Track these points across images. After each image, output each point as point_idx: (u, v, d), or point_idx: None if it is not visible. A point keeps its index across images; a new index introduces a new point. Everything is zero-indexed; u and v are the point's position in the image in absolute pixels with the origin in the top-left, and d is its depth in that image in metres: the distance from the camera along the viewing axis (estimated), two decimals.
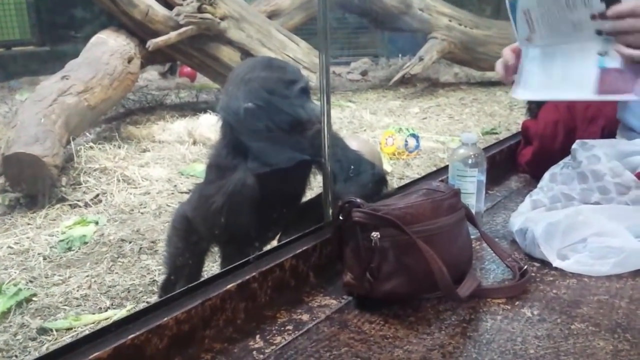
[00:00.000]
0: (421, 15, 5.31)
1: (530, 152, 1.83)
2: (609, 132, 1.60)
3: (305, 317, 1.07)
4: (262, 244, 1.39)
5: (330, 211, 1.28)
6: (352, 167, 1.39)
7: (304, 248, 1.18)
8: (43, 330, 1.72)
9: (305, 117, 1.33)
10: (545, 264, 1.24)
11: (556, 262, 1.22)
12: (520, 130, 1.99)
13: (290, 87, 1.33)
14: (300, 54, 4.36)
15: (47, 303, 1.86)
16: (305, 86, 1.34)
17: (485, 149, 1.81)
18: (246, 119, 1.30)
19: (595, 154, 1.37)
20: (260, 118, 1.30)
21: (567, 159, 1.48)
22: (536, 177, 1.62)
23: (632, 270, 1.18)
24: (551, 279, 1.18)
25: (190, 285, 1.01)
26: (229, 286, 1.02)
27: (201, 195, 1.44)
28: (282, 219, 1.38)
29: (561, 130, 1.75)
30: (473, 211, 1.30)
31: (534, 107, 2.00)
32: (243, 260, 1.11)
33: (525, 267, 1.18)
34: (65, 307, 1.85)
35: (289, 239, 1.23)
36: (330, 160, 1.28)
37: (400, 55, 6.59)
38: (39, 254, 2.22)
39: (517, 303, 1.09)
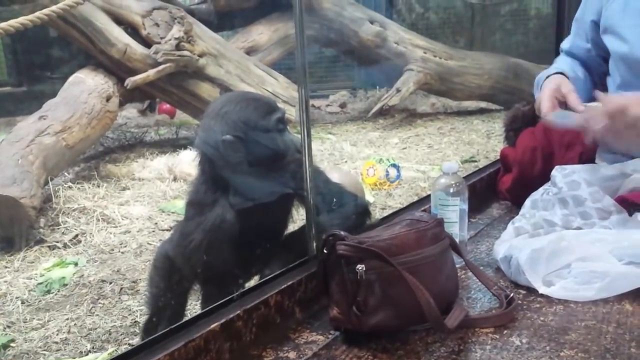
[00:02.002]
0: (396, 48, 5.40)
1: (510, 179, 1.85)
2: (586, 158, 1.62)
3: (292, 354, 1.05)
4: (244, 281, 1.37)
5: (314, 244, 1.27)
6: (335, 199, 1.38)
7: (289, 283, 1.17)
8: None
9: (285, 147, 1.33)
10: (531, 291, 1.23)
11: (542, 289, 1.22)
12: (499, 157, 2.01)
13: (267, 117, 1.33)
14: (279, 89, 4.39)
15: (26, 348, 1.81)
16: (282, 117, 1.34)
17: (466, 178, 1.83)
18: (225, 151, 1.29)
19: (574, 179, 1.39)
20: (239, 150, 1.29)
21: (547, 185, 1.49)
22: (517, 204, 1.63)
23: (618, 294, 1.18)
24: (538, 305, 1.18)
25: (172, 327, 0.98)
26: (212, 326, 1.00)
27: (181, 233, 1.42)
28: (265, 254, 1.36)
29: (539, 156, 1.77)
30: (457, 240, 1.30)
31: (512, 135, 2.02)
32: (227, 299, 1.09)
33: (512, 295, 1.18)
34: (44, 352, 1.80)
35: (272, 274, 1.21)
36: (312, 193, 1.27)
37: (377, 87, 6.66)
38: (17, 297, 2.16)
39: (505, 332, 1.08)
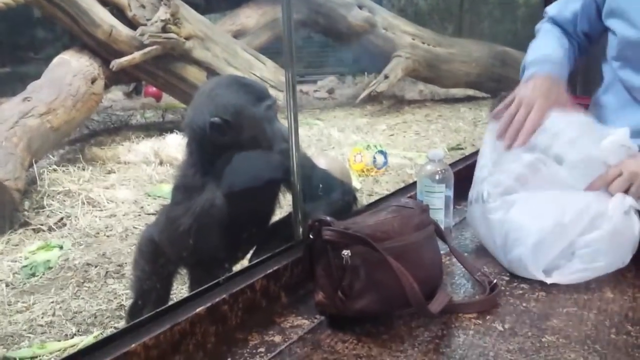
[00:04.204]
0: (385, 34, 5.38)
1: None
2: None
3: (277, 338, 1.06)
4: (231, 265, 1.38)
5: (301, 230, 1.28)
6: (321, 185, 1.39)
7: (275, 268, 1.17)
8: None
9: (272, 135, 1.33)
10: (514, 277, 1.25)
11: (549, 280, 1.20)
12: None
13: (258, 103, 1.32)
14: (267, 73, 4.37)
15: (11, 331, 1.80)
16: (272, 104, 1.34)
17: (452, 165, 1.83)
18: (213, 134, 1.28)
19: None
20: (227, 133, 1.29)
21: None
22: None
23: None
24: (520, 292, 1.19)
25: (158, 310, 0.99)
26: (198, 309, 1.00)
27: (168, 218, 1.42)
28: (252, 239, 1.37)
29: None
30: (442, 226, 1.31)
31: None
32: (213, 283, 1.09)
33: (495, 281, 1.19)
34: (29, 334, 1.79)
35: (259, 259, 1.21)
36: (299, 179, 1.27)
37: (365, 73, 6.65)
38: (1, 280, 2.15)
39: (488, 317, 1.09)
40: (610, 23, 1.50)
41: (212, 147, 1.30)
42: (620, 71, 1.50)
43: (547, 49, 1.57)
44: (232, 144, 1.29)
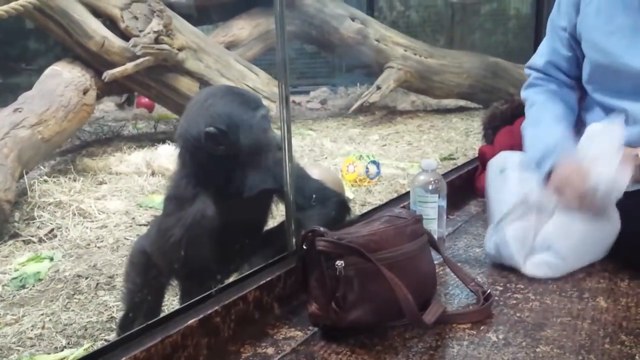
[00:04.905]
0: (377, 45, 5.40)
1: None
2: None
3: (270, 350, 1.05)
4: (223, 277, 1.36)
5: (294, 240, 1.27)
6: (315, 195, 1.38)
7: (268, 279, 1.16)
8: None
9: (267, 145, 1.32)
10: (508, 287, 1.25)
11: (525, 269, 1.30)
12: (477, 155, 2.02)
13: (252, 113, 1.31)
14: (259, 84, 4.36)
15: None
16: (266, 114, 1.33)
17: (444, 175, 1.84)
18: (207, 144, 1.27)
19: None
20: (221, 143, 1.27)
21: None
22: None
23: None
24: (514, 302, 1.19)
25: (149, 322, 0.98)
26: (190, 321, 0.99)
27: (160, 229, 1.40)
28: (244, 250, 1.35)
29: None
30: (435, 236, 1.31)
31: (490, 133, 2.04)
32: (205, 294, 1.08)
33: (489, 291, 1.19)
34: (18, 347, 1.76)
35: (252, 270, 1.20)
36: (292, 189, 1.27)
37: (358, 84, 6.67)
38: None
39: (482, 328, 1.09)
40: (583, 47, 1.52)
41: (205, 157, 1.29)
42: (594, 94, 1.53)
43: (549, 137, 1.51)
44: (226, 154, 1.28)
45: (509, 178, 1.42)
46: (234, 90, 1.43)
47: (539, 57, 1.65)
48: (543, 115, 1.56)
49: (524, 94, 1.66)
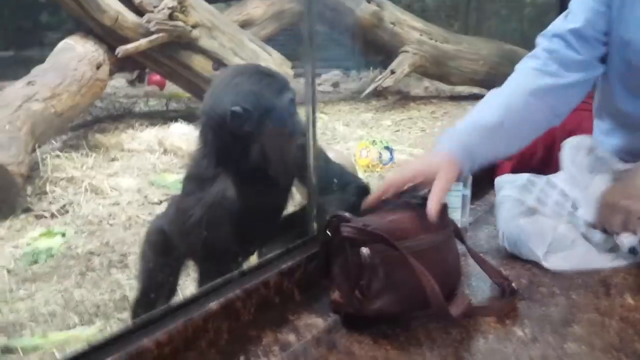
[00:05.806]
0: (392, 28, 5.34)
1: (509, 167, 1.83)
2: None
3: (291, 337, 1.03)
4: (243, 259, 1.34)
5: (315, 225, 1.24)
6: (336, 180, 1.36)
7: (289, 264, 1.14)
8: (8, 349, 1.62)
9: (293, 128, 1.29)
10: (533, 281, 1.22)
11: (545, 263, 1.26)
12: None
13: (280, 95, 1.28)
14: (272, 64, 4.32)
15: (12, 319, 1.77)
16: (293, 97, 1.30)
17: None
18: (232, 123, 1.24)
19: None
20: (247, 124, 1.24)
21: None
22: None
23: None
24: (539, 296, 1.17)
25: (171, 304, 0.96)
26: (211, 305, 0.97)
27: (178, 208, 1.38)
28: (265, 233, 1.33)
29: (540, 146, 1.76)
30: (459, 226, 1.28)
31: None
32: (226, 278, 1.06)
33: (514, 284, 1.16)
34: (31, 323, 1.76)
35: (272, 254, 1.18)
36: (315, 173, 1.24)
37: (371, 68, 6.61)
38: (2, 266, 2.12)
39: (507, 322, 1.07)
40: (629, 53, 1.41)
41: (229, 137, 1.26)
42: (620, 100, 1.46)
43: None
44: (250, 134, 1.25)
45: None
46: (263, 70, 1.39)
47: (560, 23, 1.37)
48: (497, 97, 1.39)
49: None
